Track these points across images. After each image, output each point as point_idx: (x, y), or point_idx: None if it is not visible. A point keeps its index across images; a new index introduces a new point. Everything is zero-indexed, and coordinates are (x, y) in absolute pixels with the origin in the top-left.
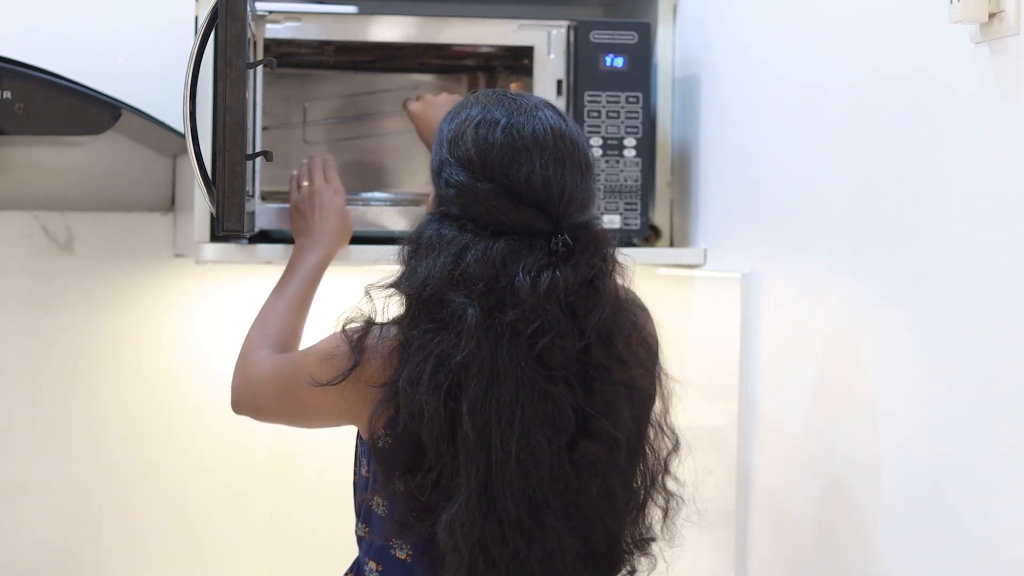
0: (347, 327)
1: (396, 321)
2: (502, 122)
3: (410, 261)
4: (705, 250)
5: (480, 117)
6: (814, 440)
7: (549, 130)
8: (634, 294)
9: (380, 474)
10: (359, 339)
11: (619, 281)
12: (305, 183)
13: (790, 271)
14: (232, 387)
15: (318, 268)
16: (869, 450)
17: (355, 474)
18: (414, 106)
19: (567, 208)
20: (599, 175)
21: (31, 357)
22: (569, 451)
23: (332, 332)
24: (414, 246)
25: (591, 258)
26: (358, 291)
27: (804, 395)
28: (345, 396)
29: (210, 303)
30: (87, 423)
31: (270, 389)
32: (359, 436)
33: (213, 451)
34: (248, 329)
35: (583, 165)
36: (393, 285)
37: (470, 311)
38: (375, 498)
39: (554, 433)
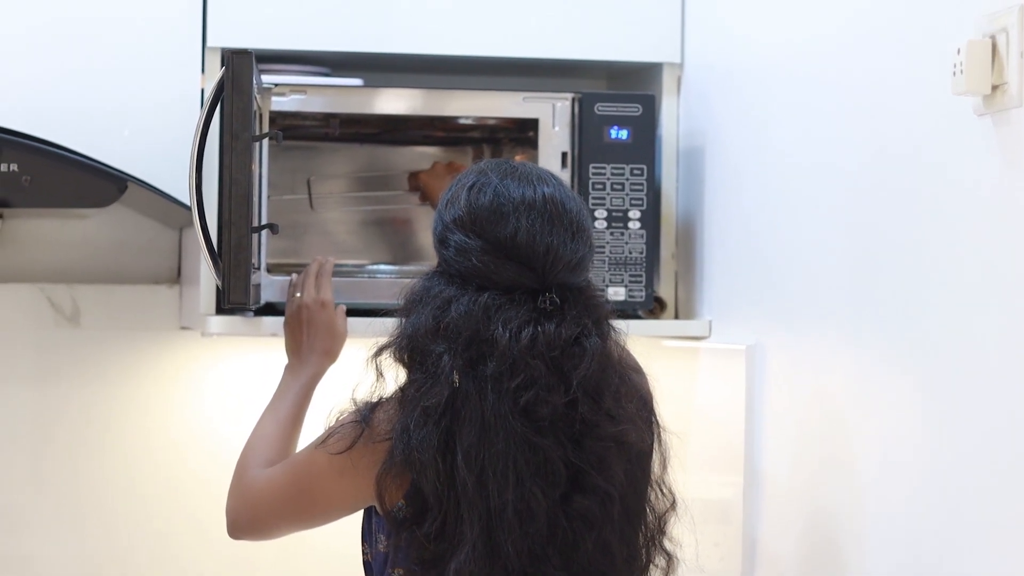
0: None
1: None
2: (494, 183)
3: (402, 317)
4: (710, 322)
5: (474, 180)
6: (820, 512)
7: (541, 194)
8: (630, 356)
9: (393, 534)
10: (368, 405)
11: (613, 344)
12: (297, 294)
13: (795, 343)
14: (228, 510)
15: (307, 388)
16: (875, 522)
17: (366, 552)
18: (424, 175)
19: (553, 266)
20: (603, 247)
21: (37, 429)
22: (564, 504)
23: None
24: (406, 303)
25: (579, 317)
26: (360, 362)
27: (810, 467)
28: (358, 463)
29: (216, 375)
30: (93, 496)
31: (274, 497)
32: (371, 514)
33: (221, 523)
34: (240, 453)
35: (573, 228)
36: (386, 345)
37: (446, 358)
38: (396, 571)
39: (548, 485)
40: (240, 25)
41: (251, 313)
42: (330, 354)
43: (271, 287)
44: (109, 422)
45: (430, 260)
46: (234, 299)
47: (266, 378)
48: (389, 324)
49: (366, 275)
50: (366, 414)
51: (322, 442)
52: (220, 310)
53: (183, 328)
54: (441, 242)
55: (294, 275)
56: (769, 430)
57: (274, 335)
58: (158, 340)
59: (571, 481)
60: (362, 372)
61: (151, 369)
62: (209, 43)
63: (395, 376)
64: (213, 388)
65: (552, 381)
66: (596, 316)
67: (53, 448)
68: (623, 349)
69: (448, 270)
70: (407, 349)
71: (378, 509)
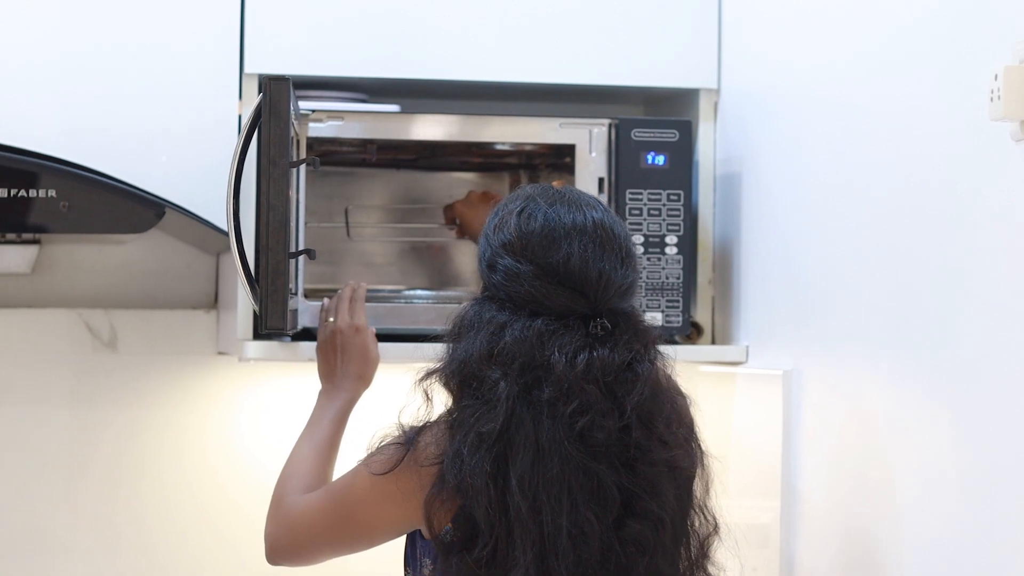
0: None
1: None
2: (543, 209)
3: (451, 344)
4: (747, 347)
5: (523, 206)
6: (857, 536)
7: (591, 219)
8: (675, 381)
9: (441, 559)
10: (415, 429)
11: (659, 364)
12: (330, 319)
13: (832, 368)
14: (267, 536)
15: (343, 413)
16: (912, 546)
17: (412, 569)
18: (459, 204)
19: (605, 292)
20: (640, 272)
21: (74, 454)
22: (616, 529)
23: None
24: (456, 328)
25: (630, 342)
26: (400, 388)
27: (847, 491)
28: (403, 486)
29: (253, 400)
30: (130, 521)
31: (316, 522)
32: (414, 538)
33: (256, 547)
34: (277, 480)
35: (623, 253)
36: (435, 369)
37: (502, 384)
38: None
39: (601, 510)
40: (277, 51)
41: (288, 338)
42: (364, 379)
43: (308, 312)
44: (146, 447)
45: (466, 285)
46: (271, 324)
47: (303, 403)
48: (427, 349)
49: (402, 300)
50: (411, 436)
51: (365, 463)
52: (257, 335)
53: (220, 353)
54: (490, 267)
55: (326, 299)
56: (806, 455)
57: (311, 360)
58: (195, 365)
59: (624, 506)
60: (405, 396)
61: (188, 394)
62: (246, 69)
63: (443, 401)
64: (250, 413)
65: (606, 406)
66: (645, 341)
67: (90, 473)
68: (670, 374)
69: (497, 295)
70: (459, 374)
71: (425, 533)
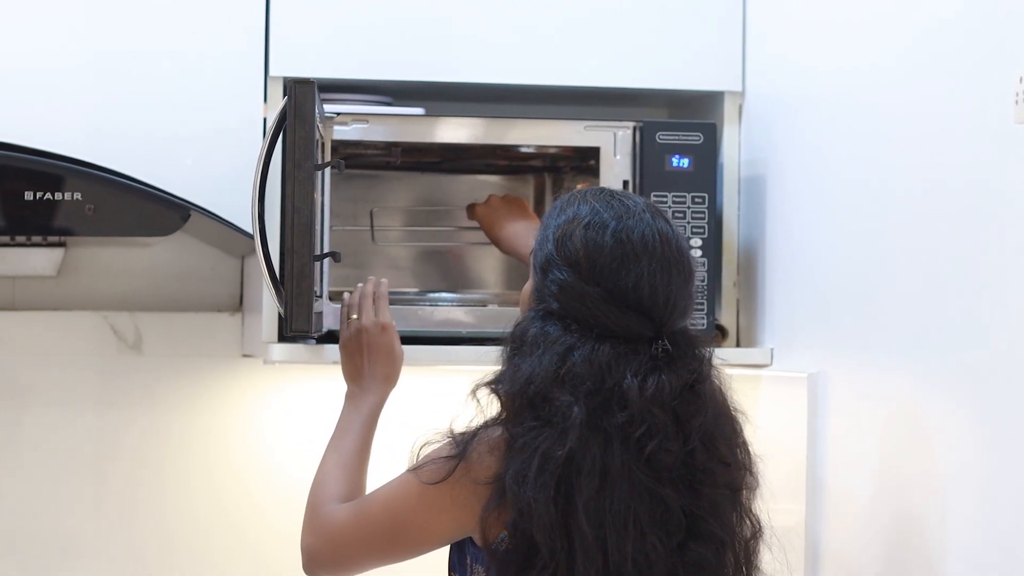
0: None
1: (499, 420)
2: (611, 225)
3: (513, 358)
4: (772, 350)
5: (589, 218)
6: (882, 539)
7: (657, 235)
8: (732, 399)
9: None
10: (466, 437)
11: (716, 384)
12: (353, 316)
13: (857, 370)
14: (305, 547)
15: (372, 416)
16: (939, 549)
17: (459, 574)
18: (480, 208)
19: (671, 315)
20: None
21: (99, 456)
22: (680, 553)
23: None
24: (518, 344)
25: (690, 362)
26: (425, 391)
27: (873, 494)
28: (456, 497)
29: (277, 403)
30: (153, 522)
31: (361, 531)
32: (461, 546)
33: (280, 551)
34: (310, 488)
35: (687, 272)
36: (496, 382)
37: (575, 409)
38: None
39: (666, 535)
40: (302, 55)
41: (313, 341)
42: (391, 379)
43: (333, 315)
44: (170, 449)
45: (490, 288)
46: (296, 327)
47: (328, 406)
48: (452, 353)
49: (427, 303)
50: (462, 446)
51: (415, 473)
52: (282, 338)
53: (245, 356)
54: (551, 279)
55: (346, 295)
56: (832, 457)
57: (335, 363)
58: (220, 368)
59: (687, 529)
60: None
61: (213, 397)
62: (271, 73)
63: (485, 410)
64: (274, 416)
65: (672, 430)
66: (702, 360)
67: (114, 475)
68: (724, 392)
69: (559, 311)
70: (523, 394)
71: (477, 541)
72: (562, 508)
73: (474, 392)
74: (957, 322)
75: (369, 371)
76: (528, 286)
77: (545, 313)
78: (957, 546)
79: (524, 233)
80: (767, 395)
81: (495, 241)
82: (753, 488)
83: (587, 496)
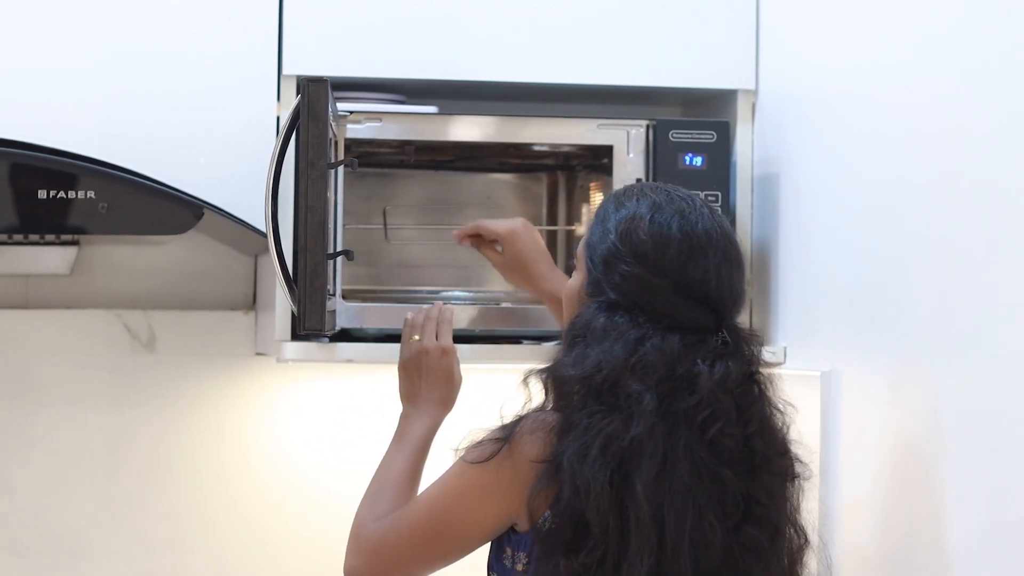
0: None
1: (550, 406)
2: (676, 219)
3: (576, 347)
4: (785, 348)
5: (653, 212)
6: (896, 540)
7: (719, 229)
8: (777, 392)
9: (543, 560)
10: (509, 424)
11: (765, 377)
12: (416, 337)
13: (870, 369)
14: (349, 570)
15: (425, 440)
16: (952, 548)
17: (497, 573)
18: (501, 228)
19: (733, 308)
20: None
21: (112, 454)
22: (736, 535)
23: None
24: (581, 334)
25: (745, 355)
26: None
27: (886, 493)
28: (503, 479)
29: (290, 401)
30: (166, 521)
31: (405, 536)
32: (500, 539)
33: (293, 549)
34: (357, 510)
35: (743, 265)
36: (554, 369)
37: (647, 397)
38: None
39: (723, 515)
40: (315, 53)
41: (326, 339)
42: (447, 403)
43: (346, 313)
44: (184, 447)
45: (504, 287)
46: (310, 325)
47: (340, 404)
48: (463, 352)
49: (440, 302)
50: (509, 429)
51: (460, 460)
52: (295, 336)
53: (258, 354)
54: (617, 272)
55: (409, 314)
56: (845, 456)
57: (349, 361)
58: (233, 366)
59: (743, 512)
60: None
61: (226, 395)
62: (285, 71)
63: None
64: (288, 414)
65: (735, 415)
66: (753, 350)
67: (127, 472)
68: (773, 386)
69: (624, 303)
70: (590, 381)
71: (523, 525)
72: (618, 488)
73: (526, 380)
74: (972, 321)
75: (426, 393)
76: (575, 281)
77: (609, 305)
78: (969, 545)
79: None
80: (780, 393)
81: (506, 267)
82: (807, 478)
83: (647, 476)
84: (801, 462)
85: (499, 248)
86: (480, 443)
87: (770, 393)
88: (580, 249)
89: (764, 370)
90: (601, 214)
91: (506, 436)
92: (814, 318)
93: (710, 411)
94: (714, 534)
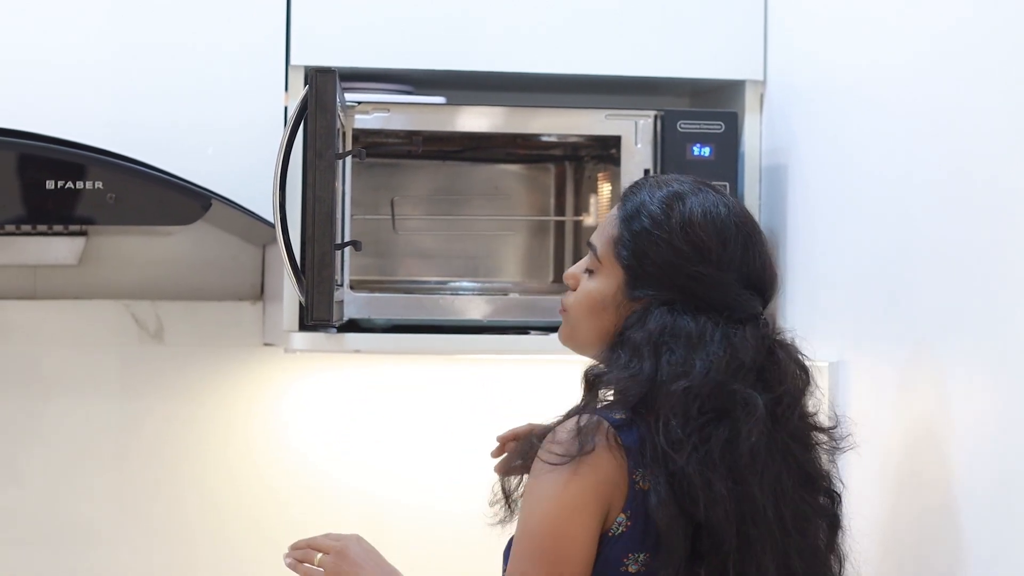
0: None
1: (623, 411)
2: (723, 210)
3: (662, 354)
4: (793, 338)
5: (700, 207)
6: (905, 530)
7: (747, 211)
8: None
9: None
10: (585, 429)
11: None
12: (317, 557)
13: (878, 360)
14: None
15: None
16: (963, 541)
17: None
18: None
19: (774, 288)
20: None
21: (120, 444)
22: (819, 506)
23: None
24: (664, 339)
25: (782, 334)
26: (445, 380)
27: (894, 484)
28: (586, 488)
29: (298, 391)
30: (173, 511)
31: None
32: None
33: (298, 539)
34: None
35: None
36: (649, 378)
37: (758, 400)
38: None
39: (810, 492)
40: (323, 44)
41: (334, 330)
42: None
43: (354, 303)
44: (191, 437)
45: (511, 277)
46: (317, 316)
47: (348, 394)
48: (471, 341)
49: (448, 292)
50: (585, 440)
51: (541, 474)
52: (303, 327)
53: (266, 344)
54: (670, 267)
55: (288, 559)
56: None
57: (357, 352)
58: (241, 357)
59: (811, 485)
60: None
61: (234, 385)
62: (292, 62)
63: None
64: (295, 404)
65: (800, 398)
66: (781, 331)
67: (134, 463)
68: None
69: (691, 300)
70: (700, 390)
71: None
72: (736, 492)
73: (594, 385)
74: (979, 312)
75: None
76: (603, 285)
77: (671, 307)
78: (979, 536)
79: None
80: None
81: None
82: (845, 450)
83: (762, 476)
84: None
85: None
86: (558, 443)
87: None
88: (605, 250)
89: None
90: (631, 211)
91: (582, 442)
92: (822, 308)
93: (791, 399)
94: (810, 509)
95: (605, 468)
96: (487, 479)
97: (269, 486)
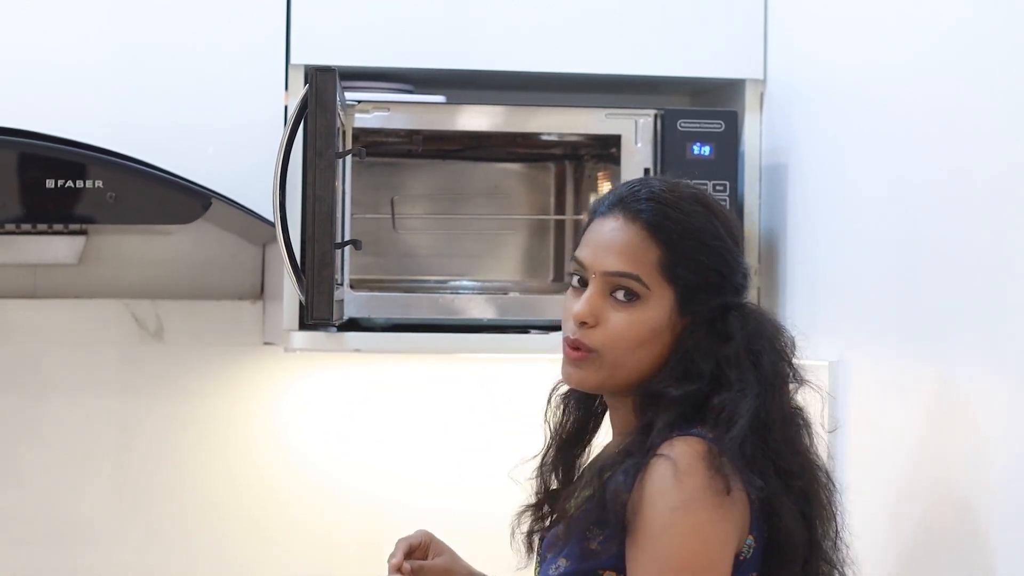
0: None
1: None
2: (724, 209)
3: (756, 365)
4: (793, 338)
5: (716, 204)
6: (907, 531)
7: None
8: None
9: None
10: (711, 455)
11: None
12: None
13: (879, 359)
14: None
15: None
16: (962, 537)
17: None
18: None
19: None
20: None
21: (119, 444)
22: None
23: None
24: (747, 344)
25: None
26: (446, 380)
27: (895, 485)
28: (728, 509)
29: (298, 391)
30: (173, 510)
31: None
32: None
33: (298, 541)
34: None
35: None
36: (738, 401)
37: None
38: None
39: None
40: (323, 43)
41: (334, 329)
42: None
43: (354, 303)
44: (191, 437)
45: (510, 276)
46: (318, 315)
47: (348, 393)
48: (471, 341)
49: (448, 291)
50: (725, 470)
51: (690, 505)
52: (303, 326)
53: (266, 344)
54: (730, 270)
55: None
56: (852, 446)
57: (357, 351)
58: (241, 356)
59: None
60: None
61: (234, 384)
62: (292, 60)
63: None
64: (295, 403)
65: None
66: None
67: (134, 462)
68: None
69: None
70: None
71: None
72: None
73: (687, 412)
74: (979, 311)
75: None
76: (655, 312)
77: (727, 306)
78: (980, 536)
79: None
80: None
81: None
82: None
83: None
84: None
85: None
86: (698, 476)
87: None
88: (651, 273)
89: None
90: (663, 226)
91: (722, 469)
92: (822, 308)
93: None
94: (831, 495)
95: (739, 495)
96: (487, 479)
97: (269, 486)
